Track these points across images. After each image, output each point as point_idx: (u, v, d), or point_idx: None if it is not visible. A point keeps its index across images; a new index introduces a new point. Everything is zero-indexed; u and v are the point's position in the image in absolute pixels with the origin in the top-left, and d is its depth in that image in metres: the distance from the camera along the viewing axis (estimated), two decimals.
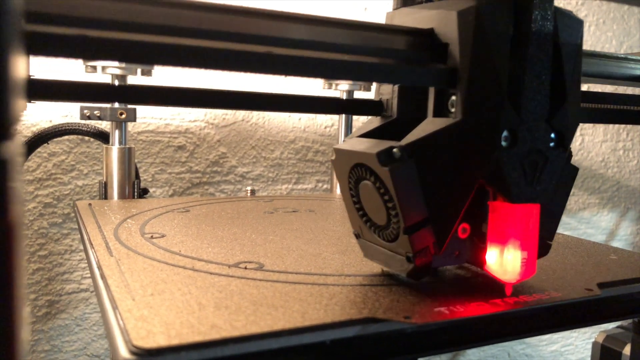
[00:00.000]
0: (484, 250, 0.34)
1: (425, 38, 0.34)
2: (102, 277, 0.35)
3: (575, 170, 0.36)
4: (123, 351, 0.25)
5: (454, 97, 0.32)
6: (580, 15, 1.28)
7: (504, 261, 0.32)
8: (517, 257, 0.32)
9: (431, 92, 0.34)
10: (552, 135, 0.34)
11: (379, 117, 0.38)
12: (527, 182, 0.33)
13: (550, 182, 0.34)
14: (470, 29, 0.31)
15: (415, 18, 0.35)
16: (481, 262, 0.35)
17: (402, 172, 0.31)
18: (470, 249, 0.35)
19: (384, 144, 0.32)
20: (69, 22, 0.25)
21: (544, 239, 0.36)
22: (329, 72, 0.31)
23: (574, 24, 0.33)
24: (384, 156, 0.31)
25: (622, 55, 0.50)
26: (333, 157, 0.36)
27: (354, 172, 0.34)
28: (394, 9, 0.39)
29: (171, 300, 0.31)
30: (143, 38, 0.26)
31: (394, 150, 0.31)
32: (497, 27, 0.31)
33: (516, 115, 0.32)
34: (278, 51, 0.29)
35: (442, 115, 0.34)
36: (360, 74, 0.31)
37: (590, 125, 1.34)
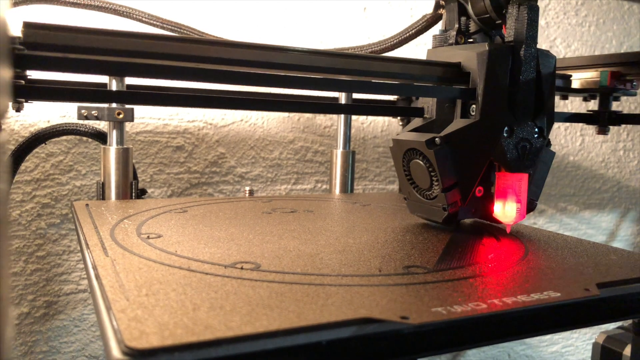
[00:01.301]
0: (492, 206, 0.52)
1: (455, 68, 0.52)
2: (97, 277, 0.34)
3: (552, 153, 0.54)
4: (116, 352, 0.25)
5: (473, 106, 0.50)
6: (580, 15, 1.28)
7: (505, 210, 0.50)
8: (513, 207, 0.50)
9: (458, 102, 0.52)
10: (536, 129, 0.51)
11: (421, 119, 0.55)
12: (519, 159, 0.50)
13: (534, 160, 0.52)
14: (484, 64, 0.49)
15: (449, 55, 0.53)
16: (489, 215, 0.53)
17: (441, 153, 0.49)
18: (483, 208, 0.53)
19: (429, 135, 0.49)
20: (54, 48, 0.40)
21: (531, 199, 0.53)
22: (399, 90, 0.57)
23: (550, 59, 0.51)
24: (430, 143, 0.49)
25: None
26: (391, 145, 0.54)
27: (407, 154, 0.52)
28: (434, 47, 0.57)
29: (166, 301, 0.30)
30: (108, 59, 0.41)
31: (436, 139, 0.49)
32: (501, 63, 0.49)
33: (512, 117, 0.50)
34: (370, 79, 0.50)
35: (465, 117, 0.51)
36: (415, 92, 0.55)
37: (591, 125, 1.33)
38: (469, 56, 0.50)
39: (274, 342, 0.27)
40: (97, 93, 0.47)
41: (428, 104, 0.55)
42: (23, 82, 0.46)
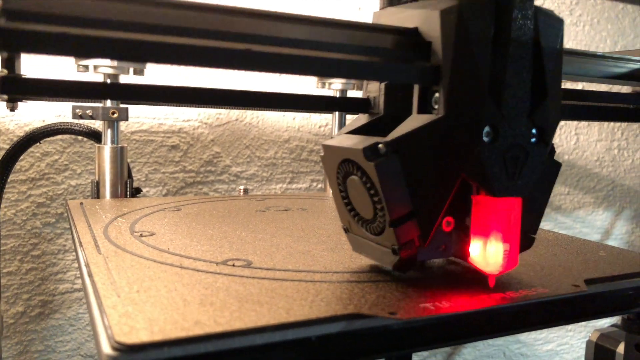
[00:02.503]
0: (469, 243, 0.35)
1: (409, 37, 0.34)
2: (89, 274, 0.35)
3: (558, 165, 0.37)
4: (105, 347, 0.25)
5: (437, 94, 0.33)
6: (575, 14, 1.28)
7: (486, 253, 0.33)
8: (500, 250, 0.33)
9: (415, 89, 0.35)
10: (534, 130, 0.34)
11: (366, 115, 0.39)
12: (508, 176, 0.34)
13: (531, 176, 0.35)
14: (452, 28, 0.32)
15: (401, 17, 0.36)
16: (466, 256, 0.35)
17: (387, 167, 0.32)
18: (456, 243, 0.36)
19: (370, 140, 0.33)
20: (51, 20, 0.26)
21: (527, 233, 0.37)
22: (318, 69, 0.33)
23: (555, 23, 0.34)
24: (370, 152, 0.32)
25: (600, 54, 0.51)
26: (322, 154, 0.38)
27: (342, 167, 0.35)
28: (381, 9, 0.40)
29: (156, 297, 0.31)
30: (121, 35, 0.28)
31: (380, 145, 0.32)
32: (478, 26, 0.32)
33: (497, 111, 0.33)
34: (270, 49, 0.30)
35: (425, 111, 0.35)
36: (347, 71, 0.33)
37: (585, 124, 1.34)
38: (429, 17, 0.33)
39: (263, 338, 0.27)
40: (93, 88, 0.38)
41: (374, 93, 0.39)
42: (6, 72, 0.38)
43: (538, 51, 0.34)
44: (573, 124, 1.32)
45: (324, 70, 0.33)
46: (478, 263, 0.34)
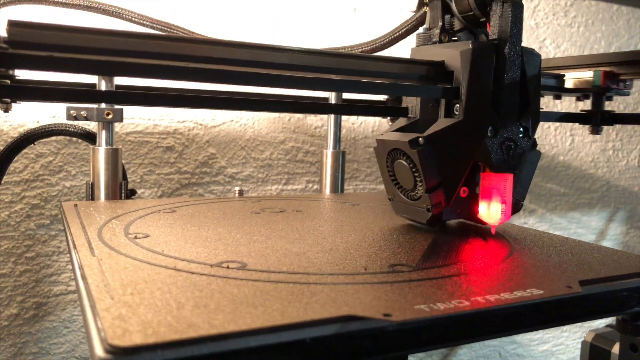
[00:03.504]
0: (476, 207, 0.51)
1: (438, 67, 0.51)
2: (83, 277, 0.35)
3: (539, 153, 0.54)
4: (99, 350, 0.25)
5: (457, 105, 0.49)
6: (569, 16, 1.29)
7: (490, 211, 0.50)
8: (498, 208, 0.49)
9: (442, 102, 0.51)
10: (521, 129, 0.51)
11: (405, 118, 0.56)
12: (504, 159, 0.50)
13: (519, 159, 0.51)
14: (468, 62, 0.49)
15: (432, 54, 0.53)
16: (475, 215, 0.52)
17: (425, 153, 0.48)
18: (468, 209, 0.53)
19: (412, 135, 0.49)
20: (41, 47, 0.39)
21: (517, 199, 0.53)
22: (380, 89, 0.56)
23: (535, 57, 0.52)
24: (413, 143, 0.48)
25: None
26: (375, 146, 0.54)
27: (391, 154, 0.52)
28: (417, 46, 0.57)
29: (150, 300, 0.30)
30: (96, 57, 0.40)
31: (420, 139, 0.48)
32: (485, 61, 0.49)
33: (497, 117, 0.49)
34: (351, 78, 0.49)
35: (449, 116, 0.51)
36: (398, 91, 0.56)
37: (580, 125, 1.34)
38: (453, 55, 0.50)
39: (257, 340, 0.27)
40: (85, 93, 0.46)
41: (412, 103, 0.55)
42: (9, 82, 0.45)
43: (523, 76, 0.50)
44: (568, 125, 1.32)
45: (385, 90, 0.56)
46: (484, 217, 0.50)
